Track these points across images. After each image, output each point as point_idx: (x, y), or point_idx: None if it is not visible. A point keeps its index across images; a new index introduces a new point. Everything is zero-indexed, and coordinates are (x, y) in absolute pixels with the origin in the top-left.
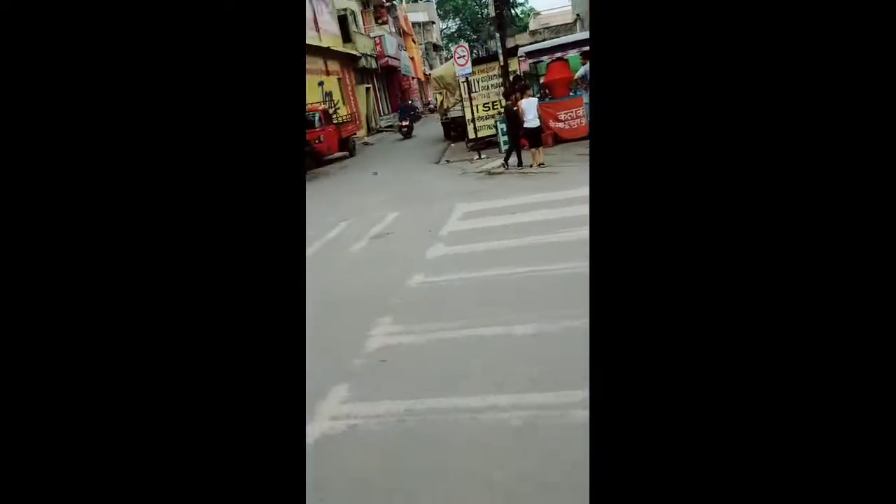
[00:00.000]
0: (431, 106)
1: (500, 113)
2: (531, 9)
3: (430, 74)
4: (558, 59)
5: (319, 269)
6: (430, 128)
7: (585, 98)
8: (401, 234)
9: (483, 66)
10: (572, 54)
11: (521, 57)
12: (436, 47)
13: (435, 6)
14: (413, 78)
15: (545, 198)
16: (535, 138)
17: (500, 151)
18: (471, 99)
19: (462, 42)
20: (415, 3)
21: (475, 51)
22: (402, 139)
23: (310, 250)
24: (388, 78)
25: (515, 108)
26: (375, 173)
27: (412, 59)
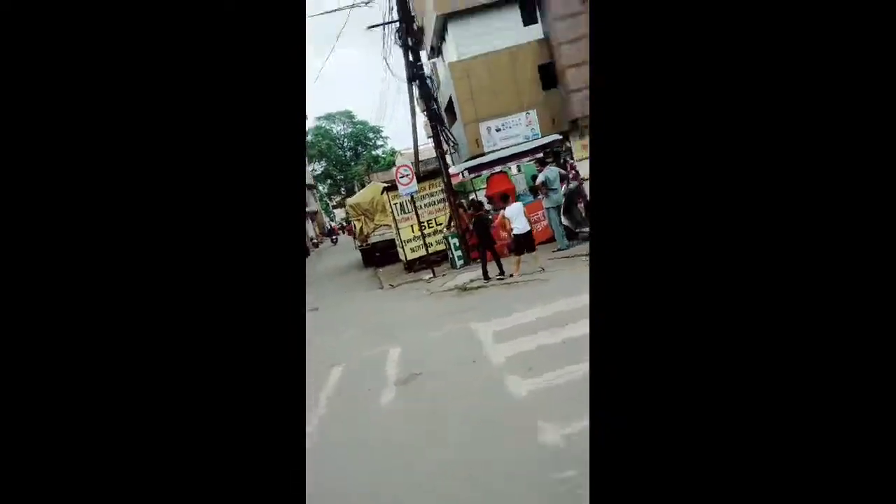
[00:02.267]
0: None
1: (447, 228)
2: (392, 149)
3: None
4: (498, 172)
5: (353, 452)
6: (331, 258)
7: (545, 202)
8: (433, 372)
9: (422, 184)
10: (511, 166)
11: (457, 173)
12: (309, 187)
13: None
14: None
15: (572, 304)
16: (529, 243)
17: (452, 267)
18: (395, 221)
19: (405, 164)
20: None
21: (341, 189)
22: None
23: (317, 413)
24: None
25: (491, 217)
26: (315, 308)
27: None
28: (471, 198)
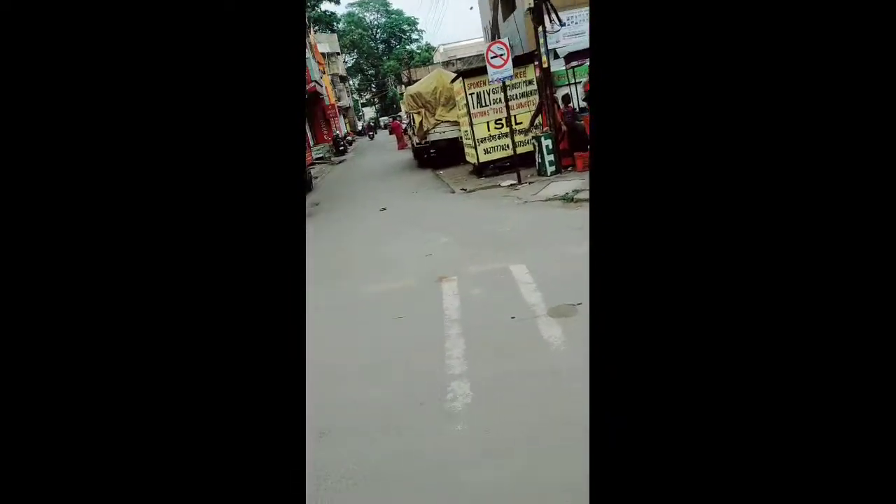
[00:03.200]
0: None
1: (526, 130)
2: (427, 44)
3: (337, 104)
4: None
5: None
6: (376, 157)
7: None
8: None
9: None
10: None
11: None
12: (342, 79)
13: (337, 39)
14: (330, 105)
15: None
16: None
17: (540, 174)
18: (469, 115)
19: (499, 41)
20: (321, 34)
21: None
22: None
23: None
24: (310, 106)
25: None
26: (384, 209)
27: (326, 88)
28: (563, 93)
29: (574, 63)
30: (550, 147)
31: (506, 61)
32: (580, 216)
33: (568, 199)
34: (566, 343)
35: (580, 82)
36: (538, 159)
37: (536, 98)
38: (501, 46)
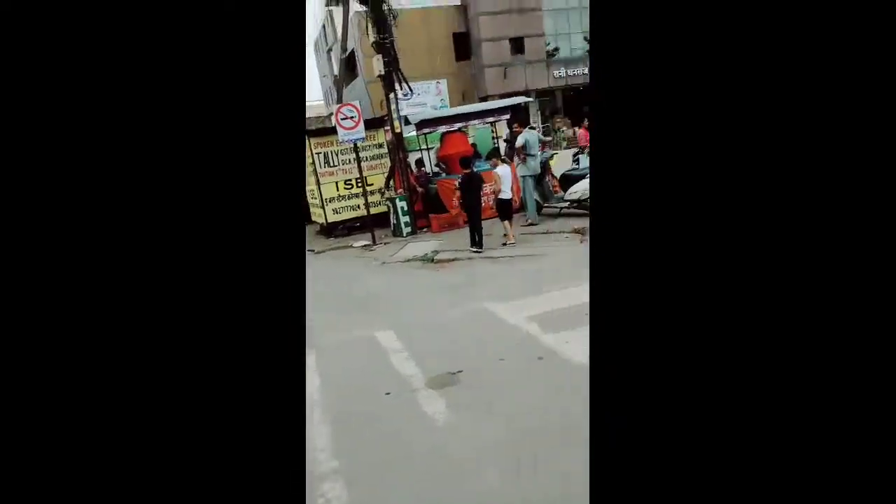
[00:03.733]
0: None
1: (382, 191)
2: None
3: None
4: (456, 130)
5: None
6: None
7: (521, 169)
8: (474, 372)
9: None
10: (477, 124)
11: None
12: None
13: None
14: None
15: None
16: (507, 211)
17: (396, 234)
18: (316, 175)
19: (349, 103)
20: None
21: None
22: None
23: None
24: None
25: (477, 175)
26: None
27: None
28: (416, 158)
29: (426, 130)
30: (406, 208)
31: (357, 123)
32: (444, 276)
33: (428, 259)
34: (453, 417)
35: (432, 148)
36: (393, 220)
37: (387, 161)
38: (352, 109)
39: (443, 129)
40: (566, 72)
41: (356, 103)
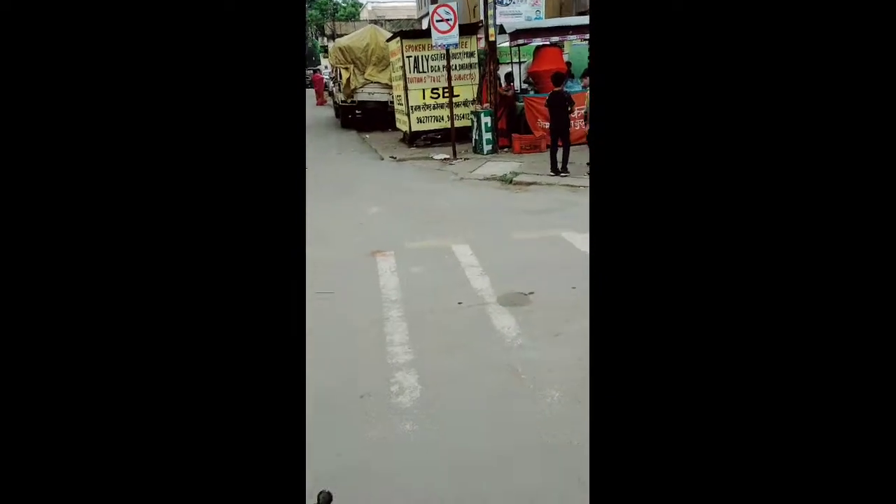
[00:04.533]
0: None
1: (470, 102)
2: None
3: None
4: (553, 44)
5: None
6: None
7: None
8: (545, 294)
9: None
10: (574, 40)
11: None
12: None
13: None
14: None
15: None
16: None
17: (476, 151)
18: (405, 80)
19: (446, 4)
20: None
21: None
22: None
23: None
24: None
25: (567, 95)
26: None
27: None
28: (506, 71)
29: (520, 41)
30: (489, 125)
31: (452, 27)
32: (522, 199)
33: (507, 180)
34: (522, 336)
35: (524, 62)
36: (475, 136)
37: (476, 72)
38: (449, 10)
39: (538, 41)
40: None
41: (453, 4)
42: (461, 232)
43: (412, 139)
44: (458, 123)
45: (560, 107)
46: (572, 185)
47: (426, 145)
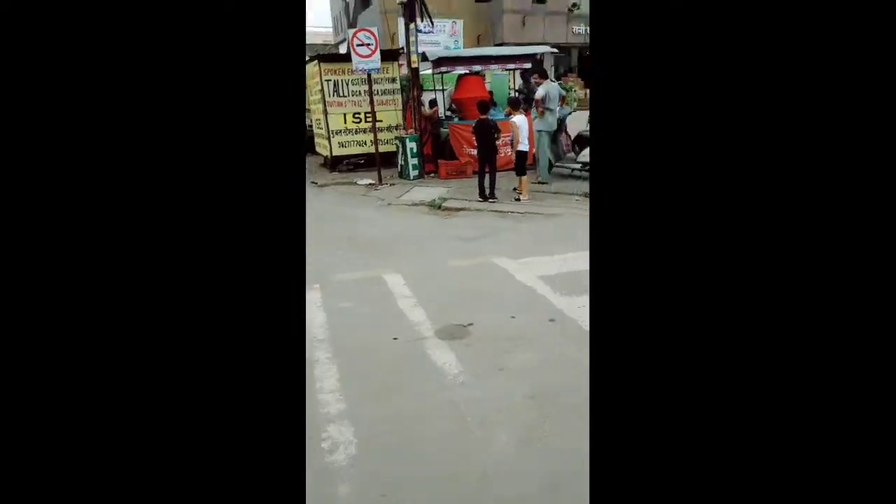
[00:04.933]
0: None
1: (394, 128)
2: None
3: None
4: (474, 73)
5: None
6: None
7: (538, 123)
8: (484, 327)
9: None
10: (495, 69)
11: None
12: None
13: None
14: None
15: None
16: (524, 165)
17: (402, 176)
18: (324, 104)
19: (367, 28)
20: None
21: None
22: None
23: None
24: None
25: (493, 123)
26: None
27: None
28: (430, 98)
29: (443, 69)
30: (415, 150)
31: (373, 51)
32: (452, 225)
33: (436, 205)
34: (464, 372)
35: (446, 89)
36: (400, 161)
37: (399, 97)
38: (370, 35)
39: (460, 69)
40: (585, 29)
41: (374, 30)
42: (392, 260)
43: (334, 164)
44: (382, 148)
45: (487, 134)
46: (500, 211)
47: (349, 170)
